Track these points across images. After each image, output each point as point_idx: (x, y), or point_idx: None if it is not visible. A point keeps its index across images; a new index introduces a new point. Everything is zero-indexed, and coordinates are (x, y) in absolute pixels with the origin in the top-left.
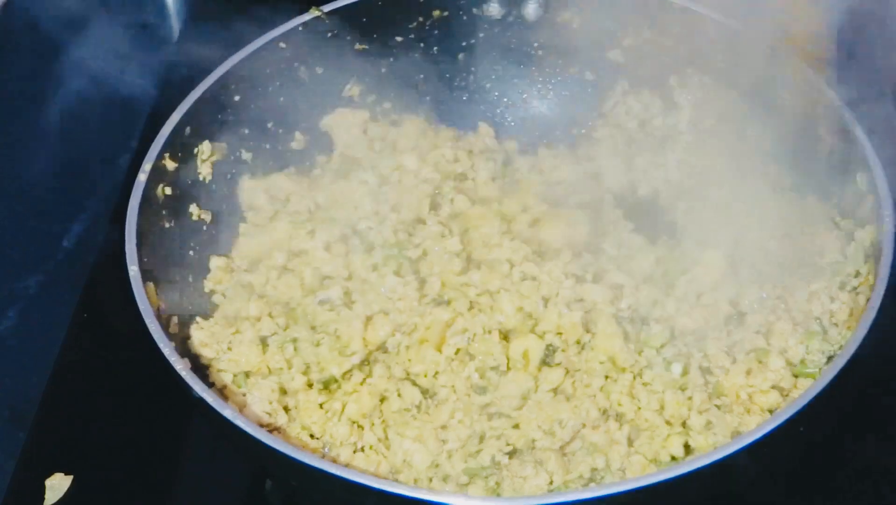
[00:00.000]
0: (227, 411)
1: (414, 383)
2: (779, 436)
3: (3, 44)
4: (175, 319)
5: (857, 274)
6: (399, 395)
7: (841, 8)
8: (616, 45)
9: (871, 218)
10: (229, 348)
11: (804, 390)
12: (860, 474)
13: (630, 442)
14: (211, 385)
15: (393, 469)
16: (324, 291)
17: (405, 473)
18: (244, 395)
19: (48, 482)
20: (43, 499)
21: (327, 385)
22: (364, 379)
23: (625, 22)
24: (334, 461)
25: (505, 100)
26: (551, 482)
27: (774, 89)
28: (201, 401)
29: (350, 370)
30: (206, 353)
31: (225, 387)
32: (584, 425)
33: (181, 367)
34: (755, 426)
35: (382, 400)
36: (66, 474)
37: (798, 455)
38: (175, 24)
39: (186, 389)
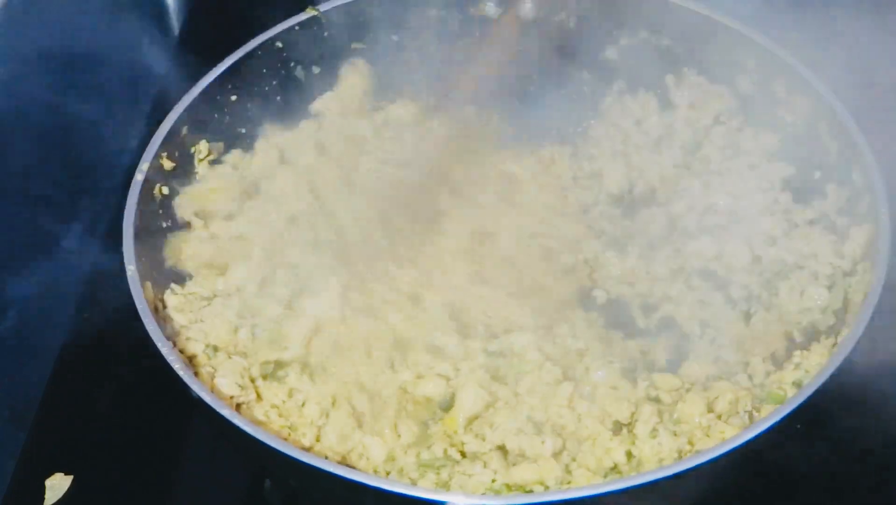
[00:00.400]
0: (226, 411)
1: (362, 388)
2: (775, 434)
3: (2, 44)
4: (149, 284)
5: (854, 272)
6: (348, 401)
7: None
8: (612, 45)
9: (868, 216)
10: (200, 319)
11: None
12: (858, 473)
13: (557, 456)
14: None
15: (349, 462)
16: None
17: (362, 464)
18: (213, 368)
19: (48, 482)
20: (43, 499)
21: (271, 374)
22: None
23: (621, 21)
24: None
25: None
26: (494, 480)
27: (770, 88)
28: (200, 401)
29: (285, 365)
30: (180, 319)
31: (195, 356)
32: (520, 431)
33: (179, 366)
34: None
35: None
36: (66, 474)
37: (794, 454)
38: (175, 23)
39: (185, 389)
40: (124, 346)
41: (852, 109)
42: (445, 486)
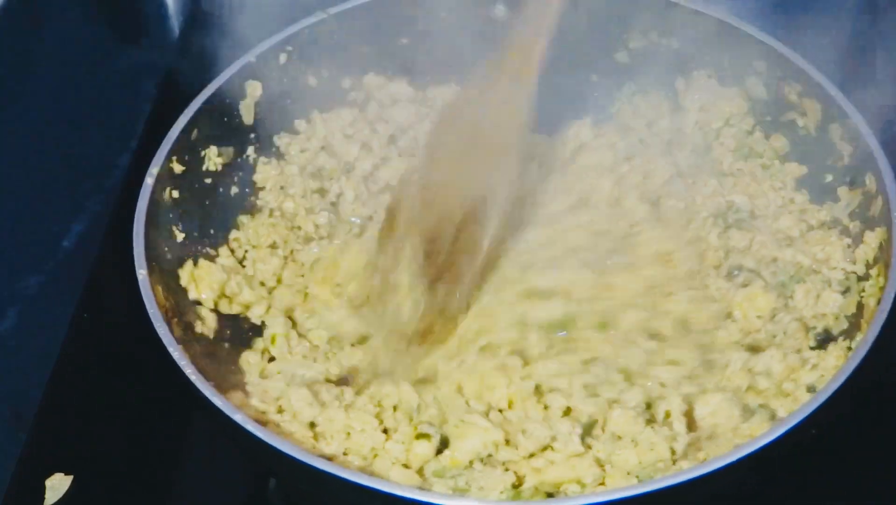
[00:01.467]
0: (238, 416)
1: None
2: (790, 438)
3: (2, 44)
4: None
5: (867, 277)
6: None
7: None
8: (622, 47)
9: (881, 220)
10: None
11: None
12: (867, 475)
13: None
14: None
15: (365, 460)
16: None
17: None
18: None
19: (48, 482)
20: (43, 499)
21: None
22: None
23: (631, 24)
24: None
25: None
26: (518, 483)
27: (781, 91)
28: (210, 404)
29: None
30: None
31: None
32: (553, 439)
33: (191, 371)
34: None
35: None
36: (66, 474)
37: (808, 457)
38: (175, 24)
39: (196, 392)
40: (124, 346)
41: (865, 112)
42: (464, 491)
